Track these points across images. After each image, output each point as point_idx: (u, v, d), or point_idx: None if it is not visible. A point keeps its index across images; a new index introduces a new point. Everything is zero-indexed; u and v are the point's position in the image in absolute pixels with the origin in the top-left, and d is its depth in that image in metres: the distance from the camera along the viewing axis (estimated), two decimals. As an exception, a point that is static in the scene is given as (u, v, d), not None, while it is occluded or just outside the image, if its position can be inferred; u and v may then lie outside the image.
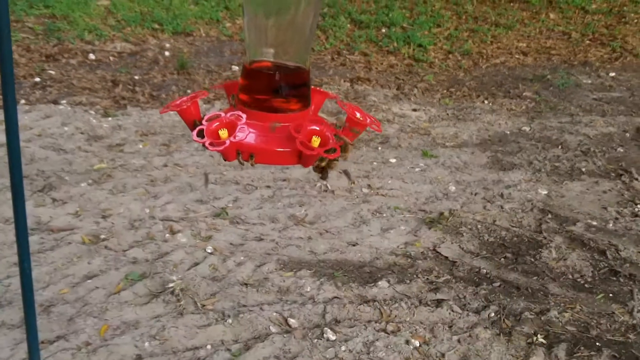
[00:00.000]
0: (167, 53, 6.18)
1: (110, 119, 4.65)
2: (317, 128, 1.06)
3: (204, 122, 1.06)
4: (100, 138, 4.37)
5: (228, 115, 1.07)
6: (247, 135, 1.04)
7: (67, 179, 3.80)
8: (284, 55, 1.11)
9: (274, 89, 1.10)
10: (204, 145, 1.04)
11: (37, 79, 5.20)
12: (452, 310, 2.96)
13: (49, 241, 3.24)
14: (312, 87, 1.21)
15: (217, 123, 1.06)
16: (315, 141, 1.05)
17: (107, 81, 5.33)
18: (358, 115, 1.14)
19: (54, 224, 3.39)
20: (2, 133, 4.08)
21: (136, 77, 5.48)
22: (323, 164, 1.11)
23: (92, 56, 5.84)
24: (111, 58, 5.87)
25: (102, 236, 3.33)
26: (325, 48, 6.79)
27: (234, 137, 1.03)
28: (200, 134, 1.05)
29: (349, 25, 7.40)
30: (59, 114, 4.62)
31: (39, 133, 4.31)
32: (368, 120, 1.14)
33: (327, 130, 1.06)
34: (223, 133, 1.04)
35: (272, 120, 1.09)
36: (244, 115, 1.06)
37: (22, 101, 4.77)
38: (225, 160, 1.09)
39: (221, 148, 1.02)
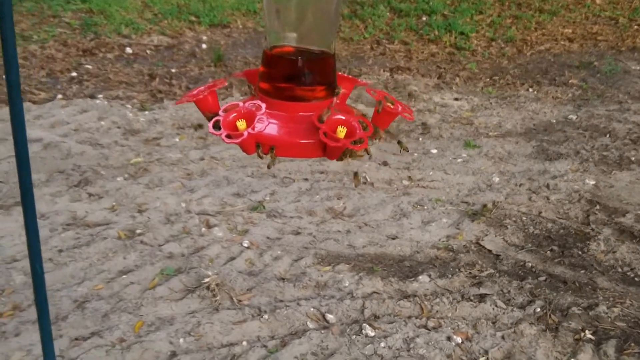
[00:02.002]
0: (204, 46, 6.13)
1: (146, 112, 4.61)
2: (343, 117, 0.97)
3: (220, 112, 0.99)
4: (137, 132, 4.33)
5: (246, 105, 0.99)
6: (266, 126, 0.96)
7: (103, 174, 3.76)
8: (307, 40, 1.03)
9: (297, 76, 1.02)
10: (220, 137, 0.96)
11: (74, 74, 5.17)
12: (496, 306, 2.86)
13: (85, 236, 3.20)
14: (340, 74, 1.13)
15: (235, 114, 0.98)
16: (341, 132, 0.96)
17: (143, 75, 5.29)
18: (389, 102, 1.05)
19: (89, 219, 3.35)
20: (37, 128, 4.07)
21: (173, 70, 5.43)
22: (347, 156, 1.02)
23: (128, 50, 5.81)
24: (148, 52, 5.83)
25: (138, 231, 3.28)
26: (364, 37, 6.68)
27: (253, 129, 0.95)
28: (217, 126, 0.98)
29: (388, 13, 7.29)
30: (95, 108, 4.58)
31: (76, 128, 4.28)
32: (399, 107, 1.06)
33: (354, 119, 0.98)
34: (241, 124, 0.97)
35: (295, 110, 1.01)
36: (264, 105, 0.98)
37: (59, 96, 4.74)
38: (245, 154, 1.01)
39: (238, 140, 0.94)
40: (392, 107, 1.04)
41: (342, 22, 6.96)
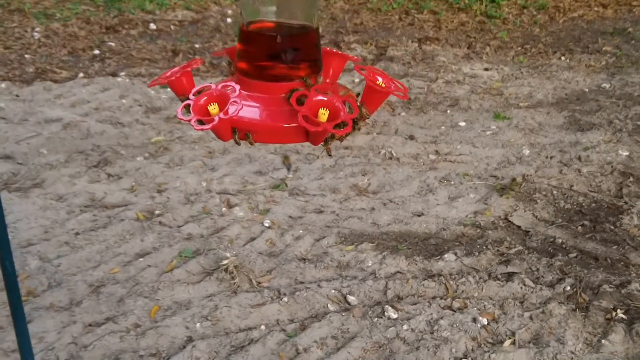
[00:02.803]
0: (228, 20, 6.04)
1: (168, 90, 4.53)
2: (325, 98, 0.88)
3: (191, 96, 0.90)
4: (158, 110, 4.26)
5: (219, 87, 0.90)
6: (239, 109, 0.86)
7: (123, 153, 3.69)
8: (286, 13, 0.93)
9: (277, 53, 0.92)
10: (189, 123, 0.87)
11: (97, 52, 5.11)
12: (524, 284, 2.75)
13: (102, 218, 3.14)
14: (330, 49, 1.03)
15: (206, 97, 0.89)
16: (323, 114, 0.87)
17: (167, 51, 5.21)
18: (380, 80, 0.95)
19: (108, 200, 3.29)
20: (57, 108, 4.02)
21: (197, 46, 5.35)
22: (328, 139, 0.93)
23: (152, 26, 5.73)
24: (172, 27, 5.75)
25: (157, 212, 3.22)
26: (393, 8, 6.54)
27: (225, 113, 0.86)
28: (188, 110, 0.89)
29: (417, -17, 7.13)
30: (117, 86, 4.52)
31: (96, 107, 4.22)
32: (392, 86, 0.96)
33: (338, 100, 0.88)
34: (213, 109, 0.88)
35: (275, 91, 0.92)
36: (237, 87, 0.89)
37: (81, 74, 4.68)
38: (221, 140, 0.92)
39: (209, 127, 0.85)
40: (382, 85, 0.94)
41: (370, -7, 6.83)
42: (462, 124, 4.20)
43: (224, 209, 3.26)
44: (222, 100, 0.87)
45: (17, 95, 4.29)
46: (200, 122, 0.86)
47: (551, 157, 3.77)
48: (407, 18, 6.31)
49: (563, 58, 5.39)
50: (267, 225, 3.14)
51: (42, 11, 5.76)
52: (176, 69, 0.97)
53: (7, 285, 1.23)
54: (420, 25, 6.13)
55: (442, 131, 4.10)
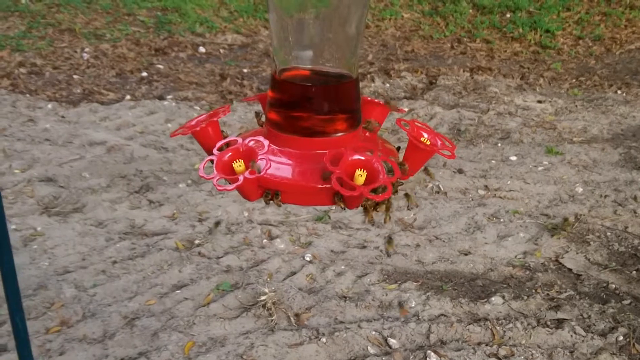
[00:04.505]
0: (278, 44, 5.99)
1: (214, 114, 4.48)
2: (362, 157, 0.79)
3: (215, 151, 0.81)
4: (203, 135, 4.20)
5: (247, 141, 0.81)
6: (267, 168, 0.78)
7: (166, 179, 3.64)
8: (324, 60, 0.84)
9: (311, 105, 0.83)
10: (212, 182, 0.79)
11: (144, 74, 5.09)
12: (575, 332, 2.62)
13: (141, 247, 3.08)
14: (371, 98, 0.94)
15: (231, 153, 0.80)
16: (360, 176, 0.78)
17: (215, 75, 5.17)
18: (425, 137, 0.86)
19: (147, 227, 3.24)
20: (102, 130, 3.99)
21: (245, 71, 5.30)
22: (369, 204, 0.84)
23: (202, 49, 5.70)
24: (221, 51, 5.72)
25: (197, 241, 3.15)
26: (445, 35, 6.44)
27: (252, 173, 0.77)
28: (212, 168, 0.80)
29: (470, 10, 7.02)
30: (163, 109, 4.48)
31: (141, 130, 4.18)
32: (439, 143, 0.86)
33: (377, 160, 0.79)
34: (238, 166, 0.79)
35: (309, 146, 0.83)
36: (266, 142, 0.80)
37: (127, 96, 4.66)
38: (247, 200, 0.84)
39: (232, 187, 0.77)
40: (427, 143, 0.85)
41: (422, 20, 6.74)
42: (513, 158, 4.08)
43: (264, 240, 3.18)
44: (249, 157, 0.79)
45: (62, 117, 4.28)
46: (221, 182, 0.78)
47: (605, 196, 3.63)
48: (459, 46, 6.20)
49: (619, 92, 5.24)
50: (308, 259, 3.05)
51: (93, 31, 5.78)
52: (202, 117, 0.89)
53: (6, 282, 1.14)
54: (472, 54, 6.02)
55: (492, 165, 3.98)
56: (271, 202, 0.82)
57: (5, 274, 1.03)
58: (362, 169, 0.78)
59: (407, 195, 1.00)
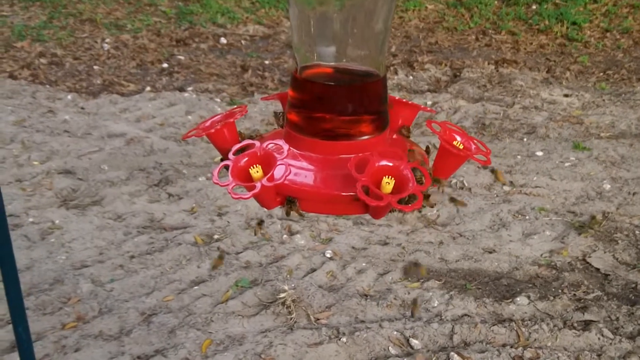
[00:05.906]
0: (301, 35, 5.92)
1: (235, 107, 4.43)
2: (390, 164, 0.72)
3: (230, 155, 0.75)
4: (224, 127, 4.14)
5: (265, 145, 0.75)
6: (286, 174, 0.71)
7: (185, 173, 3.59)
8: (348, 57, 0.78)
9: (335, 105, 0.77)
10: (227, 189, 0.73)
11: (165, 65, 5.04)
12: (602, 335, 2.54)
13: (159, 241, 3.03)
14: (399, 98, 0.87)
15: (248, 158, 0.74)
16: (388, 184, 0.71)
17: (236, 66, 5.11)
18: (458, 140, 0.80)
19: (166, 221, 3.19)
20: (122, 122, 3.94)
21: (266, 62, 5.24)
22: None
23: (223, 40, 5.65)
24: (242, 42, 5.66)
25: (216, 236, 3.10)
26: (469, 27, 6.34)
27: (270, 179, 0.71)
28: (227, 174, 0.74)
29: (495, 1, 6.91)
30: (183, 101, 4.43)
31: (162, 122, 4.13)
32: (473, 147, 0.80)
33: (406, 167, 0.72)
34: (256, 172, 0.73)
35: (332, 150, 0.77)
36: (286, 147, 0.74)
37: (148, 88, 4.62)
38: (264, 208, 0.77)
39: (248, 195, 0.70)
40: (460, 147, 0.78)
41: (447, 11, 6.64)
42: (539, 153, 3.99)
43: (285, 236, 3.13)
44: (267, 162, 0.73)
45: (82, 108, 4.24)
46: (236, 189, 0.72)
47: (634, 194, 3.54)
48: (484, 38, 6.10)
49: (648, 86, 5.14)
50: (328, 255, 2.99)
51: (114, 22, 5.74)
52: (217, 117, 0.83)
53: (8, 292, 1.09)
54: (497, 46, 5.92)
55: (518, 161, 3.90)
56: (291, 211, 0.76)
57: (8, 283, 0.98)
58: (390, 176, 0.71)
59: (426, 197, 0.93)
